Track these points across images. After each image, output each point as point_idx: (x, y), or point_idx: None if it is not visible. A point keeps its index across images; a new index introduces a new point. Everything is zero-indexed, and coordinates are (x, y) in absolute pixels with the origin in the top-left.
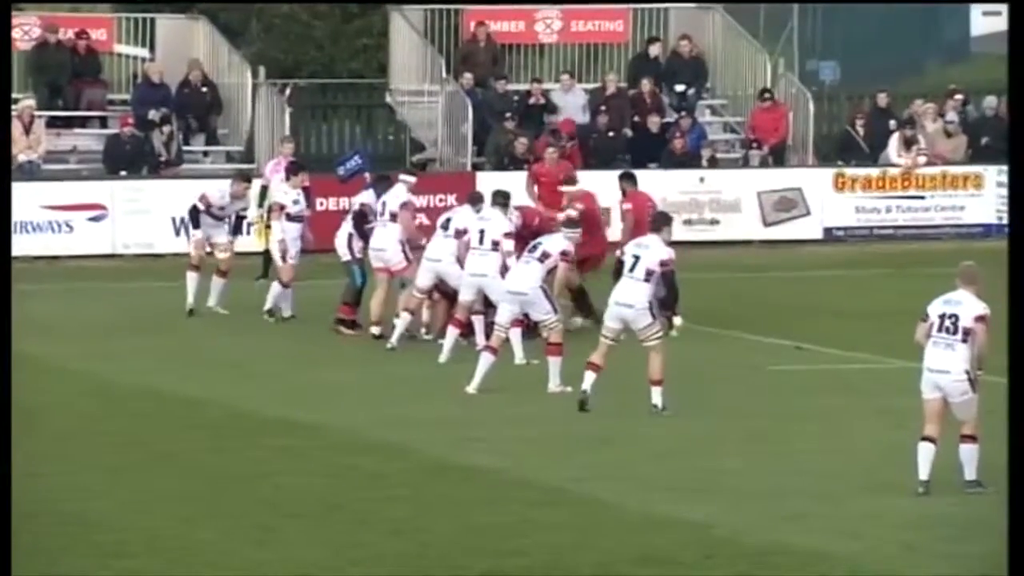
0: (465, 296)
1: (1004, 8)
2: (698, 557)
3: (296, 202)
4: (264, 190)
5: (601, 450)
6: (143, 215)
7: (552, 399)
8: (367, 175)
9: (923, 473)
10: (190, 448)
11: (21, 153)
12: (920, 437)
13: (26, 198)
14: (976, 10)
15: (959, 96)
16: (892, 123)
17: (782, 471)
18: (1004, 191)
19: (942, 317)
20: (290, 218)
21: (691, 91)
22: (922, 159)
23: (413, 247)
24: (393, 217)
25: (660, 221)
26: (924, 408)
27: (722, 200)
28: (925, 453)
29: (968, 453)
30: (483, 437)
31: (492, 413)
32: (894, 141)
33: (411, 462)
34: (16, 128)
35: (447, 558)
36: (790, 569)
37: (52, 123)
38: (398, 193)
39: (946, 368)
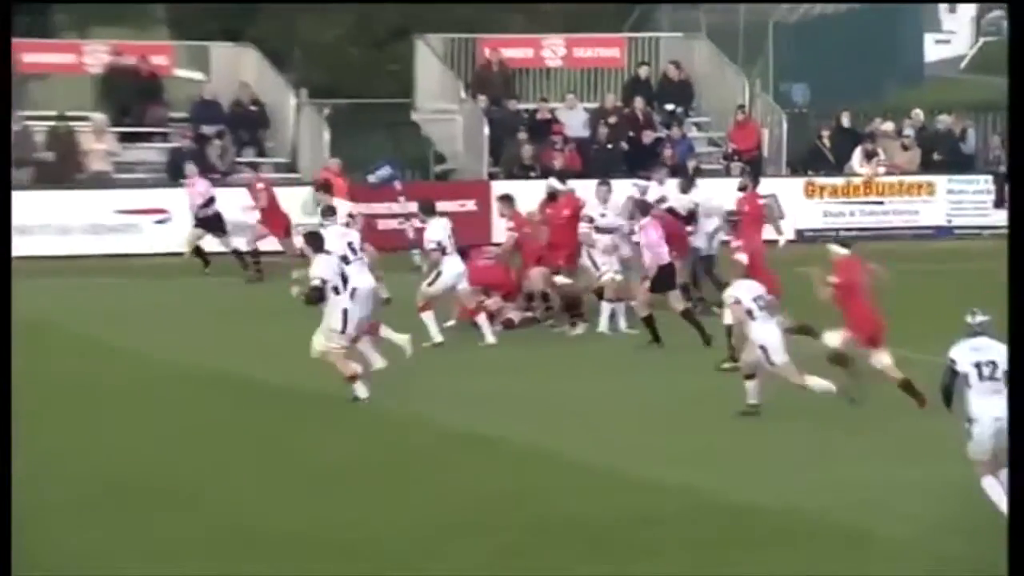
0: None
1: (953, 37)
2: (679, 516)
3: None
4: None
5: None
6: None
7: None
8: (396, 183)
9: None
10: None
11: (94, 163)
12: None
13: (100, 203)
14: (930, 38)
15: (917, 112)
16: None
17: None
18: (953, 197)
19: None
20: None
21: (679, 110)
22: (881, 169)
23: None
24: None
25: None
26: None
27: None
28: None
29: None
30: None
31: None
32: (857, 154)
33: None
34: (90, 140)
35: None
36: (764, 529)
37: (121, 138)
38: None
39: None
